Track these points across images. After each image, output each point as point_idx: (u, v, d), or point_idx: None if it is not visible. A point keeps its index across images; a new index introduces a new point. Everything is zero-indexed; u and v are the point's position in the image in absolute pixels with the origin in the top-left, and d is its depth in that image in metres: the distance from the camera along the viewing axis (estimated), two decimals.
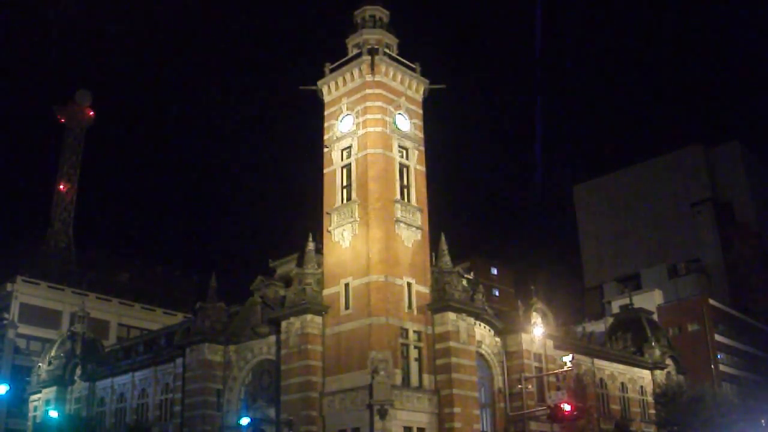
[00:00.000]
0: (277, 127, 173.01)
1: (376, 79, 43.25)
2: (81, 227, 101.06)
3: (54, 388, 56.89)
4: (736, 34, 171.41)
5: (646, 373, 56.06)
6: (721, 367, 74.21)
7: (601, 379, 52.28)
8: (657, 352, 56.98)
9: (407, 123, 44.29)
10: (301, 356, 39.64)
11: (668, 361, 57.67)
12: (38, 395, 58.45)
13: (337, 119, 44.45)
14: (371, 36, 45.06)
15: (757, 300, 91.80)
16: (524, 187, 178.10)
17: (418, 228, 42.00)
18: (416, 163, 43.82)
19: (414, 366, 39.47)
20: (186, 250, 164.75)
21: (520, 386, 42.55)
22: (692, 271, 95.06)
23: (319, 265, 41.77)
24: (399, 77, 44.39)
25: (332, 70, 45.19)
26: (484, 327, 43.23)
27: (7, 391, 38.97)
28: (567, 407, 39.49)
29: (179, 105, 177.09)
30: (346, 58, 45.07)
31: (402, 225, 41.24)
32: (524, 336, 44.33)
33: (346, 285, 40.39)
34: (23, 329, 70.44)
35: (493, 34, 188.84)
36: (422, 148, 44.60)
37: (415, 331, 39.93)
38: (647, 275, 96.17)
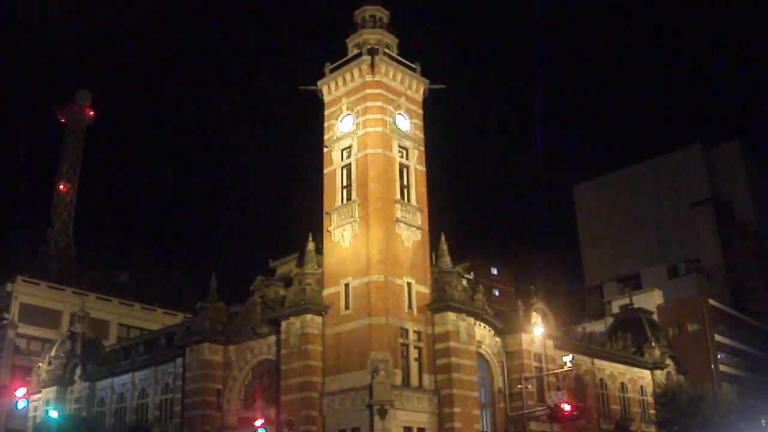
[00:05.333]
0: (277, 127, 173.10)
1: (376, 79, 43.26)
2: (81, 227, 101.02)
3: (54, 388, 56.92)
4: (736, 34, 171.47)
5: (646, 373, 56.05)
6: (721, 367, 74.18)
7: (601, 379, 52.28)
8: (657, 352, 56.96)
9: (407, 123, 44.30)
10: (301, 356, 39.64)
11: (668, 361, 57.66)
12: (38, 395, 58.45)
13: (337, 119, 44.45)
14: (371, 36, 45.08)
15: (757, 300, 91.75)
16: (524, 187, 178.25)
17: (418, 228, 42.01)
18: (416, 163, 43.83)
19: (414, 366, 39.47)
20: (186, 250, 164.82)
21: (520, 386, 42.52)
22: (692, 271, 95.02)
23: (319, 265, 41.76)
24: (399, 77, 44.40)
25: (332, 70, 45.21)
26: (484, 327, 43.23)
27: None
28: (567, 407, 39.46)
29: (179, 105, 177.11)
30: (346, 58, 45.09)
31: (402, 225, 41.25)
32: (524, 336, 44.33)
33: (346, 285, 40.40)
34: (23, 329, 70.44)
35: (493, 34, 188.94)
36: (422, 148, 44.61)
37: (415, 331, 39.94)
38: (647, 275, 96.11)
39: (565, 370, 42.46)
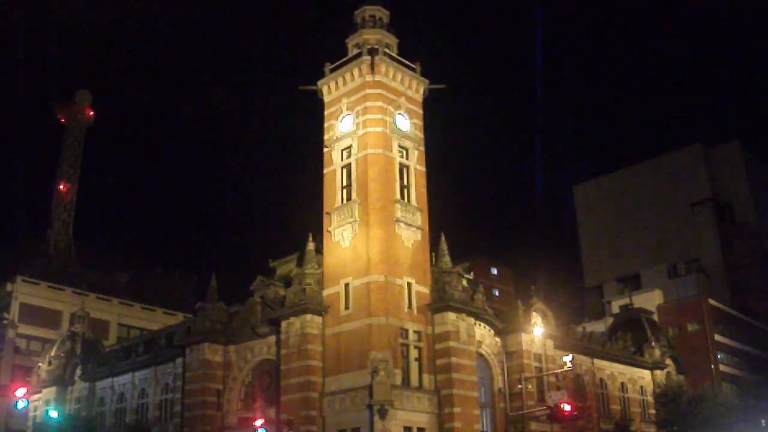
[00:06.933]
0: (277, 127, 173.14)
1: (376, 79, 43.25)
2: (81, 227, 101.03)
3: (54, 388, 56.95)
4: (736, 34, 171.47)
5: (646, 373, 56.05)
6: (721, 367, 74.16)
7: (601, 379, 52.28)
8: (657, 352, 56.96)
9: (407, 123, 44.29)
10: (301, 356, 39.64)
11: (668, 361, 57.66)
12: (38, 395, 58.46)
13: (337, 119, 44.45)
14: (371, 36, 45.07)
15: (757, 300, 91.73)
16: (524, 187, 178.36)
17: (418, 228, 42.00)
18: (416, 163, 43.82)
19: (414, 366, 39.47)
20: (186, 250, 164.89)
21: (520, 386, 42.54)
22: (692, 271, 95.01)
23: (319, 265, 41.76)
24: (399, 77, 44.39)
25: (332, 70, 45.21)
26: (484, 327, 43.22)
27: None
28: (567, 407, 39.50)
29: (179, 105, 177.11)
30: (346, 58, 45.08)
31: (402, 225, 41.23)
32: (524, 336, 44.33)
33: (346, 285, 40.39)
34: (23, 329, 70.46)
35: (493, 34, 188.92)
36: (422, 148, 44.60)
37: (415, 331, 39.93)
38: (647, 275, 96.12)
39: (565, 370, 42.48)
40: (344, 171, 43.25)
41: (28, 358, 67.82)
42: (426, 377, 39.33)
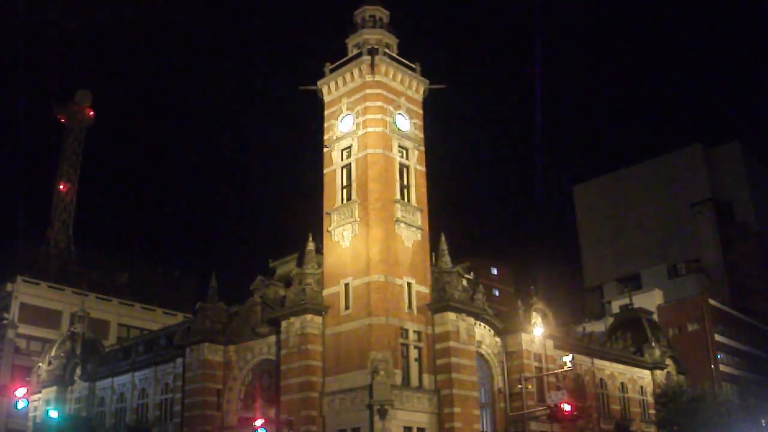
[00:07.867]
0: (277, 127, 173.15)
1: (376, 79, 43.27)
2: (81, 227, 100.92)
3: (54, 388, 57.00)
4: (736, 34, 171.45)
5: (646, 373, 56.05)
6: (721, 367, 74.09)
7: (601, 379, 52.28)
8: (657, 352, 56.97)
9: (407, 123, 44.31)
10: (301, 356, 39.65)
11: (668, 361, 57.65)
12: (38, 395, 58.48)
13: (337, 119, 44.47)
14: (371, 36, 45.09)
15: (757, 300, 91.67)
16: (524, 187, 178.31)
17: (418, 228, 42.01)
18: (416, 163, 43.84)
19: (414, 366, 39.48)
20: (186, 251, 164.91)
21: (520, 386, 42.53)
22: (692, 271, 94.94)
23: (319, 265, 41.77)
24: (399, 77, 44.42)
25: (332, 70, 45.23)
26: (484, 327, 43.23)
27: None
28: (567, 407, 39.46)
29: (179, 105, 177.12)
30: (346, 58, 45.11)
31: (402, 225, 41.25)
32: (524, 336, 44.35)
33: (346, 285, 40.40)
34: (23, 329, 70.51)
35: (493, 34, 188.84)
36: (422, 148, 44.62)
37: (415, 331, 39.94)
38: (647, 275, 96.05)
39: (565, 370, 42.47)
40: (344, 171, 43.26)
41: (28, 358, 67.87)
42: (426, 377, 39.34)
